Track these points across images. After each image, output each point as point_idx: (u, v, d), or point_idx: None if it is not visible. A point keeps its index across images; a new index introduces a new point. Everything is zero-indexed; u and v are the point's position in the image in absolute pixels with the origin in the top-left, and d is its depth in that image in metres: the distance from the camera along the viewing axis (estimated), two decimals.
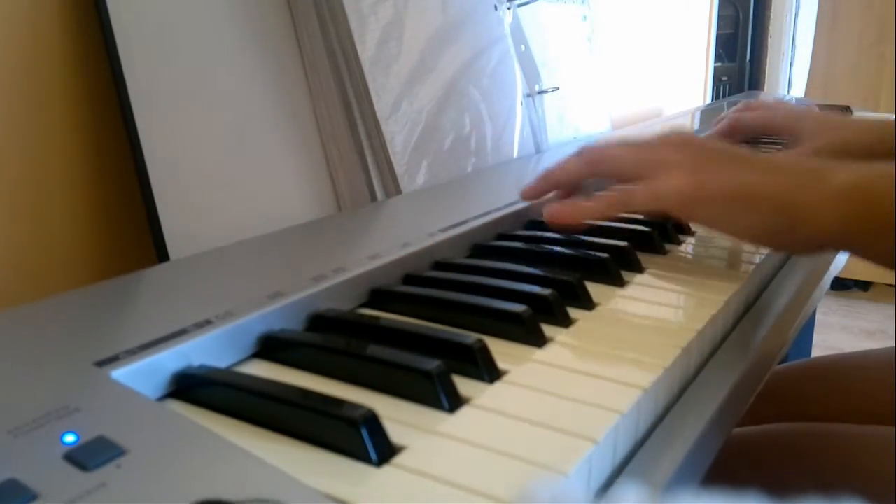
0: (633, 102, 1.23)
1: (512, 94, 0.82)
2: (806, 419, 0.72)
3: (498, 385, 0.33)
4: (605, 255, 0.47)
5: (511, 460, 0.27)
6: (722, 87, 1.86)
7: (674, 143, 0.46)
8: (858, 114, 1.22)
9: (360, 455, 0.27)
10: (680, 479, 0.31)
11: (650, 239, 0.53)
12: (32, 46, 0.51)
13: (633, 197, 0.44)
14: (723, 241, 0.56)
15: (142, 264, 0.48)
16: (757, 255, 0.53)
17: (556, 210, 0.45)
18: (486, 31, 0.80)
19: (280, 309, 0.37)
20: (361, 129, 0.64)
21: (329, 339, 0.36)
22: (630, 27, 1.24)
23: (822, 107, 1.12)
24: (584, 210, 0.45)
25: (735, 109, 0.86)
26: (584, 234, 0.53)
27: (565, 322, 0.40)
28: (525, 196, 0.55)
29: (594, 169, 0.48)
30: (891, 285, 2.36)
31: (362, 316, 0.41)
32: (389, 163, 0.64)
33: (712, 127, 0.93)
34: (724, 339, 0.44)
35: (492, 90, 0.79)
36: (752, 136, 0.92)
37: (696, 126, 1.13)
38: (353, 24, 0.63)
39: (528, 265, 0.46)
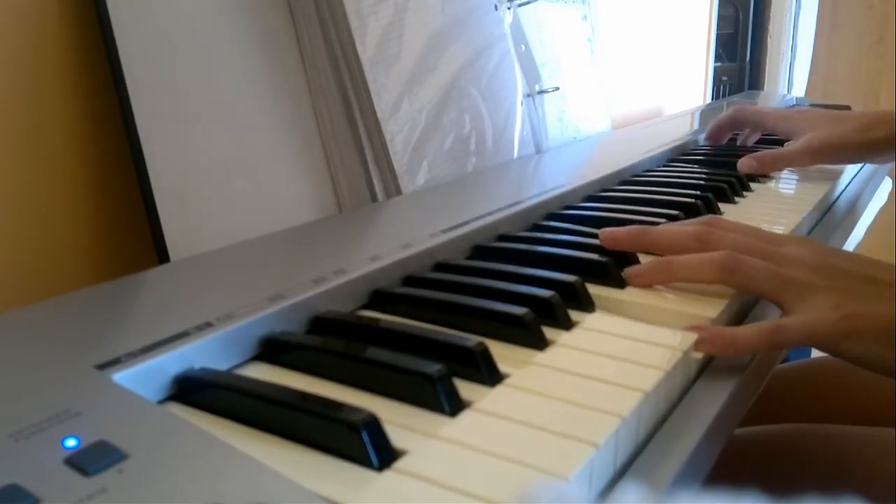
0: (633, 102, 1.22)
1: (512, 94, 0.82)
2: (806, 419, 0.72)
3: (499, 388, 0.33)
4: (606, 257, 0.47)
5: (512, 464, 0.27)
6: (722, 87, 1.86)
7: (806, 262, 0.44)
8: None
9: (361, 459, 0.27)
10: (681, 482, 0.31)
11: None
12: (32, 47, 0.51)
13: (786, 332, 0.41)
14: None
15: (142, 266, 0.48)
16: None
17: (709, 338, 0.40)
18: (486, 31, 0.80)
19: (281, 311, 0.37)
20: (361, 129, 0.64)
21: (330, 341, 0.36)
22: (630, 27, 1.24)
23: (823, 107, 1.13)
24: (737, 343, 0.41)
25: (731, 109, 0.91)
26: (583, 234, 0.53)
27: (567, 324, 0.40)
28: (612, 244, 0.50)
29: (728, 277, 0.44)
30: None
31: (363, 318, 0.41)
32: (389, 163, 0.64)
33: (709, 126, 0.95)
34: None
35: (492, 90, 0.79)
36: (749, 131, 0.95)
37: (696, 126, 1.13)
38: (354, 24, 0.63)
39: (530, 267, 0.46)
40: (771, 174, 0.83)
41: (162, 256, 0.51)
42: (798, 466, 0.60)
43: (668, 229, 0.50)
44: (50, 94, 0.52)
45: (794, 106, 1.28)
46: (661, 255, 0.48)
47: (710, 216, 0.51)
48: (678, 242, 0.48)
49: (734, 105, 0.94)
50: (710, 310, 0.43)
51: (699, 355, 0.40)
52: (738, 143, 0.95)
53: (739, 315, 0.47)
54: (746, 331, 0.41)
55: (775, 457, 0.62)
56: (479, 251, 0.52)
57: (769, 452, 0.63)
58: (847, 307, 0.41)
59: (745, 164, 0.79)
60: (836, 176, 0.82)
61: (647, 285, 0.46)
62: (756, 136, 0.96)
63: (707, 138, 0.96)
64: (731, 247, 0.45)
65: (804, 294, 0.42)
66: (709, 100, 1.61)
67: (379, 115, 0.64)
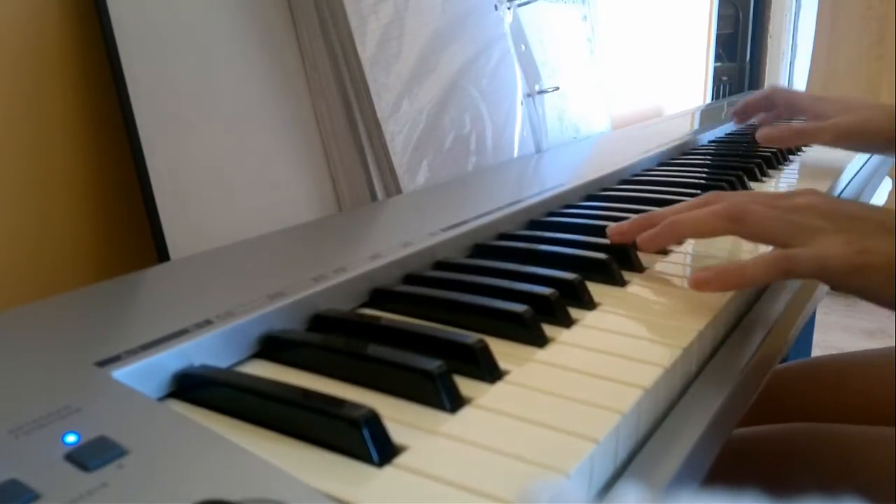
0: (633, 102, 1.23)
1: (512, 94, 0.82)
2: (806, 419, 0.72)
3: (499, 385, 0.33)
4: (605, 255, 0.47)
5: (512, 460, 0.27)
6: (722, 87, 1.86)
7: (818, 207, 0.44)
8: None
9: (361, 455, 0.27)
10: (681, 479, 0.31)
11: None
12: (32, 47, 0.51)
13: (797, 261, 0.41)
14: (722, 241, 0.56)
15: (142, 264, 0.48)
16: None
17: (714, 276, 0.40)
18: (486, 31, 0.80)
19: (281, 309, 0.37)
20: (362, 129, 0.64)
21: (330, 339, 0.36)
22: (630, 27, 1.24)
23: None
24: (746, 273, 0.41)
25: (766, 87, 0.91)
26: (583, 233, 0.53)
27: (566, 322, 0.40)
28: (620, 237, 0.50)
29: (735, 227, 0.44)
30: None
31: (363, 316, 0.41)
32: (390, 162, 0.64)
33: (740, 102, 0.94)
34: (724, 339, 0.44)
35: (492, 90, 0.79)
36: (780, 112, 0.93)
37: (697, 125, 1.13)
38: (354, 24, 0.63)
39: (529, 265, 0.46)
40: (788, 147, 0.81)
41: (162, 255, 0.51)
42: (798, 466, 0.60)
43: (671, 207, 0.50)
44: (50, 93, 0.52)
45: None
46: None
47: (712, 192, 0.50)
48: (699, 216, 0.47)
49: (770, 84, 0.93)
50: (711, 306, 0.43)
51: (699, 353, 0.40)
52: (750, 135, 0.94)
53: (740, 311, 0.47)
54: (753, 262, 0.41)
55: (775, 457, 0.62)
56: (480, 250, 0.52)
57: (769, 452, 0.63)
58: (860, 243, 0.41)
59: (764, 133, 0.77)
60: (837, 175, 0.82)
61: (658, 248, 0.46)
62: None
63: (733, 114, 0.94)
64: (749, 206, 0.45)
65: (814, 235, 0.42)
66: (709, 100, 1.61)
67: (379, 114, 0.64)
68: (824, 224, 0.43)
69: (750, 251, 0.54)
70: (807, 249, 0.41)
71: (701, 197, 0.49)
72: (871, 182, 0.90)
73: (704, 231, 0.45)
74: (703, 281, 0.40)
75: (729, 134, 1.05)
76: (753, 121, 0.96)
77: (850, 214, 0.44)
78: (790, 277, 0.43)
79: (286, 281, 0.40)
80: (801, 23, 1.98)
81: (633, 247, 0.50)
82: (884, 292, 0.41)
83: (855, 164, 0.90)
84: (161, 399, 0.31)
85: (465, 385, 0.32)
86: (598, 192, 0.69)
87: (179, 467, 0.24)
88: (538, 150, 0.86)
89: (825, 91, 1.96)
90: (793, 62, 1.98)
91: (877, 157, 0.97)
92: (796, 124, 0.80)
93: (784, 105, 0.91)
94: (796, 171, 0.85)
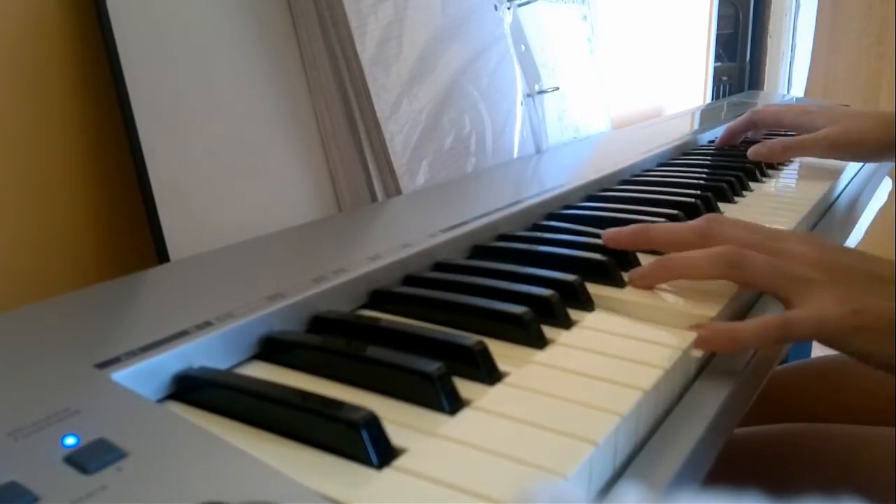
0: (633, 102, 1.23)
1: (512, 94, 0.82)
2: (806, 419, 0.72)
3: (499, 387, 0.33)
4: (605, 256, 0.47)
5: (512, 462, 0.27)
6: (722, 87, 1.86)
7: (809, 257, 0.44)
8: None
9: (360, 457, 0.27)
10: (681, 480, 0.31)
11: None
12: (32, 47, 0.51)
13: (794, 326, 0.41)
14: None
15: (142, 265, 0.48)
16: None
17: (710, 336, 0.40)
18: (486, 31, 0.80)
19: (280, 310, 0.37)
20: (361, 129, 0.64)
21: (329, 340, 0.36)
22: (630, 27, 1.24)
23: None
24: (744, 340, 0.41)
25: (748, 112, 0.92)
26: (583, 234, 0.53)
27: (566, 323, 0.40)
28: (614, 244, 0.50)
29: (731, 273, 0.44)
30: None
31: (362, 317, 0.41)
32: (389, 163, 0.64)
33: (725, 130, 0.94)
34: None
35: (492, 90, 0.79)
36: (767, 130, 0.94)
37: (697, 125, 1.13)
38: (353, 24, 0.63)
39: (529, 266, 0.46)
40: (778, 163, 0.82)
41: (162, 256, 0.51)
42: (798, 466, 0.60)
43: (668, 226, 0.50)
44: (50, 94, 0.52)
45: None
46: (663, 253, 0.48)
47: (710, 214, 0.51)
48: (679, 239, 0.48)
49: (751, 109, 0.93)
50: (709, 308, 0.43)
51: (699, 354, 0.40)
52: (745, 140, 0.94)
53: (739, 314, 0.47)
54: (750, 326, 0.41)
55: (775, 457, 0.62)
56: (479, 251, 0.52)
57: (769, 452, 0.63)
58: (854, 302, 0.41)
59: (755, 151, 0.78)
60: (836, 176, 0.82)
61: (650, 286, 0.46)
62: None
63: (720, 142, 0.95)
64: (732, 242, 0.45)
65: (808, 289, 0.42)
66: (709, 100, 1.61)
67: (379, 115, 0.64)
68: (818, 275, 0.43)
69: None
70: (801, 312, 0.41)
71: (697, 225, 0.48)
72: (871, 182, 0.90)
73: (700, 275, 0.45)
74: (699, 340, 0.40)
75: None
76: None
77: (842, 266, 0.44)
78: (786, 342, 0.43)
79: (286, 282, 0.40)
80: (801, 23, 1.97)
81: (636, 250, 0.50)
82: (878, 353, 0.41)
83: (854, 165, 0.90)
84: (160, 401, 0.31)
85: (464, 387, 0.32)
86: (598, 193, 0.69)
87: (179, 469, 0.24)
88: (538, 151, 0.86)
89: (825, 92, 1.96)
90: (793, 62, 1.98)
91: None
92: (786, 139, 0.80)
93: (769, 124, 0.92)
94: (796, 172, 0.85)
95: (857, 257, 0.45)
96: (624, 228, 0.50)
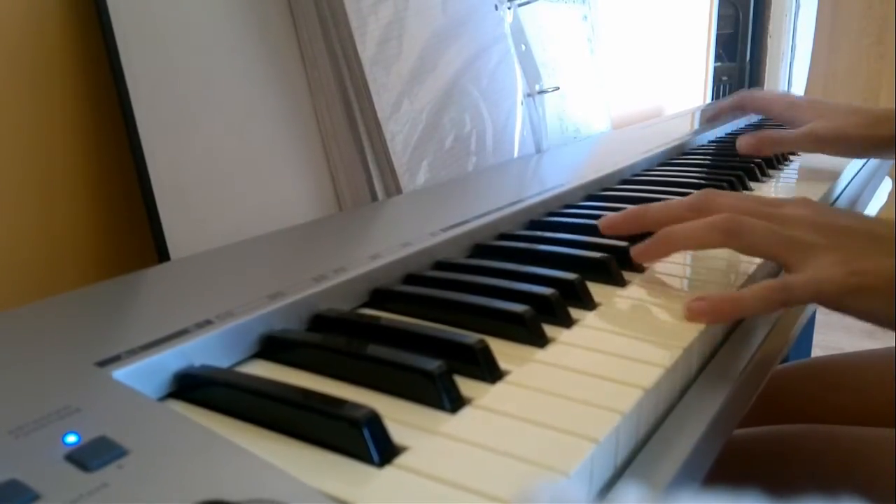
0: (633, 102, 1.23)
1: (512, 94, 0.82)
2: (806, 419, 0.72)
3: (500, 385, 0.33)
4: (606, 254, 0.47)
5: (513, 461, 0.27)
6: (722, 87, 1.86)
7: (809, 220, 0.44)
8: None
9: (361, 455, 0.27)
10: (681, 479, 0.31)
11: None
12: (32, 47, 0.51)
13: (794, 290, 0.41)
14: None
15: (142, 264, 0.48)
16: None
17: (711, 307, 0.40)
18: (486, 31, 0.80)
19: (281, 309, 0.37)
20: (362, 129, 0.64)
21: (330, 339, 0.36)
22: (630, 27, 1.24)
23: None
24: (744, 306, 0.41)
25: (737, 93, 0.91)
26: (583, 233, 0.53)
27: (567, 322, 0.40)
28: (611, 230, 0.50)
29: (730, 241, 0.43)
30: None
31: (363, 316, 0.41)
32: (390, 162, 0.64)
33: (713, 108, 0.94)
34: (725, 339, 0.44)
35: (492, 90, 0.79)
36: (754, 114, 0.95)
37: (697, 125, 1.13)
38: (354, 24, 0.63)
39: (530, 265, 0.46)
40: (766, 156, 0.82)
41: (162, 255, 0.51)
42: (798, 466, 0.60)
43: (663, 204, 0.50)
44: (50, 93, 0.52)
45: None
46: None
47: (706, 189, 0.50)
48: (676, 215, 0.47)
49: (742, 91, 0.93)
50: None
51: (700, 353, 0.40)
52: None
53: None
54: (750, 292, 0.41)
55: (775, 457, 0.62)
56: (480, 250, 0.52)
57: (769, 452, 0.63)
58: (853, 263, 0.41)
59: (744, 142, 0.78)
60: (836, 176, 0.82)
61: (652, 260, 0.46)
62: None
63: (705, 117, 0.95)
64: (730, 210, 0.45)
65: (808, 253, 0.42)
66: (709, 100, 1.61)
67: (379, 114, 0.64)
68: (817, 238, 0.43)
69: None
70: (800, 276, 0.41)
71: (692, 199, 0.48)
72: (871, 182, 0.90)
73: (699, 244, 0.45)
74: (698, 311, 0.40)
75: (729, 134, 1.05)
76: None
77: (842, 227, 0.44)
78: (787, 307, 0.42)
79: (286, 281, 0.40)
80: (801, 23, 1.98)
81: (635, 233, 0.49)
82: (878, 312, 0.41)
83: (854, 164, 0.90)
84: (161, 399, 0.31)
85: (465, 385, 0.32)
86: (598, 193, 0.69)
87: (180, 467, 0.24)
88: (538, 150, 0.86)
89: (825, 91, 1.96)
90: (793, 62, 1.98)
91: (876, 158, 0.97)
92: (774, 132, 0.80)
93: (755, 111, 0.92)
94: (796, 172, 0.85)
95: (856, 218, 0.45)
96: (618, 213, 0.50)
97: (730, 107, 0.93)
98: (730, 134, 1.06)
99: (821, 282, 0.41)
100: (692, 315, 0.40)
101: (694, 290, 0.45)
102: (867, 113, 0.79)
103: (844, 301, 0.41)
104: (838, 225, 0.44)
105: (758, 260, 0.52)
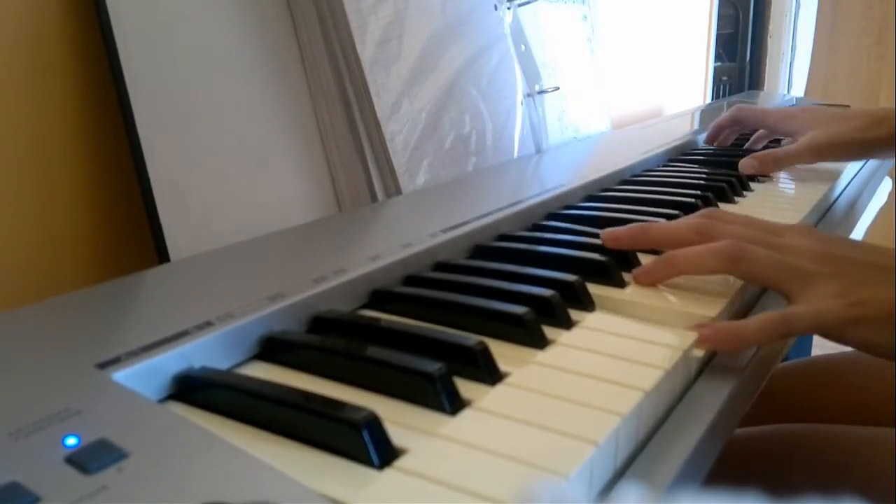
0: (633, 102, 1.23)
1: (512, 94, 0.82)
2: (806, 419, 0.72)
3: (499, 387, 0.33)
4: (605, 256, 0.47)
5: (513, 463, 0.27)
6: (722, 87, 1.86)
7: (810, 250, 0.44)
8: None
9: (361, 457, 0.27)
10: (682, 480, 0.31)
11: None
12: (32, 47, 0.51)
13: (795, 322, 0.41)
14: None
15: (142, 265, 0.48)
16: None
17: (713, 335, 0.40)
18: (486, 31, 0.80)
19: (281, 310, 0.37)
20: (361, 129, 0.64)
21: (330, 340, 0.36)
22: (630, 27, 1.24)
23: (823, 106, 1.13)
24: (746, 337, 0.41)
25: (732, 109, 0.93)
26: (583, 234, 0.53)
27: (567, 324, 0.40)
28: (614, 243, 0.50)
29: (733, 268, 0.44)
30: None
31: (363, 317, 0.41)
32: (389, 163, 0.64)
33: (709, 128, 0.95)
34: None
35: (492, 90, 0.79)
36: (749, 131, 0.95)
37: (697, 125, 1.13)
38: (354, 24, 0.63)
39: (530, 266, 0.46)
40: (772, 174, 0.83)
41: (162, 256, 0.51)
42: (798, 466, 0.60)
43: (668, 225, 0.50)
44: (50, 94, 0.52)
45: (795, 105, 1.28)
46: (663, 251, 0.48)
47: (709, 209, 0.50)
48: (680, 237, 0.48)
49: (735, 105, 0.93)
50: (710, 308, 0.43)
51: (699, 353, 0.40)
52: (745, 147, 0.95)
53: (740, 313, 0.47)
54: (752, 323, 0.41)
55: (775, 457, 0.62)
56: (480, 251, 0.52)
57: (769, 452, 0.63)
58: (854, 294, 0.41)
59: (746, 164, 0.79)
60: (836, 176, 0.82)
61: (653, 283, 0.46)
62: (764, 142, 0.95)
63: (707, 140, 0.96)
64: (732, 238, 0.45)
65: (809, 282, 0.42)
66: (709, 100, 1.61)
67: (379, 114, 0.64)
68: (817, 268, 0.43)
69: None
70: (801, 307, 0.42)
71: (696, 222, 0.48)
72: (871, 183, 0.90)
73: (702, 270, 0.45)
74: (702, 339, 0.40)
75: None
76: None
77: (842, 257, 0.44)
78: (789, 337, 0.43)
79: (286, 282, 0.40)
80: (801, 23, 1.97)
81: (636, 249, 0.50)
82: (879, 343, 0.41)
83: (854, 165, 0.90)
84: (161, 401, 0.31)
85: (465, 387, 0.32)
86: (598, 193, 0.69)
87: (180, 469, 0.24)
88: (538, 150, 0.86)
89: (825, 91, 1.96)
90: (793, 62, 1.98)
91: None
92: (774, 152, 0.80)
93: (752, 124, 0.92)
94: (796, 172, 0.85)
95: (857, 248, 0.45)
96: (623, 228, 0.50)
97: (728, 122, 0.93)
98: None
99: (821, 313, 0.41)
100: (703, 339, 0.40)
101: (694, 292, 0.45)
102: (864, 115, 0.79)
103: (845, 332, 0.41)
104: (839, 254, 0.44)
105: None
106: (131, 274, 0.43)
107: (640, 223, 0.51)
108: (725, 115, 0.94)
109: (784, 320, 0.41)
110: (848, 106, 1.20)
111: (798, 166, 0.84)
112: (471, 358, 0.34)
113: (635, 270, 0.47)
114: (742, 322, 0.41)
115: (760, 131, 0.95)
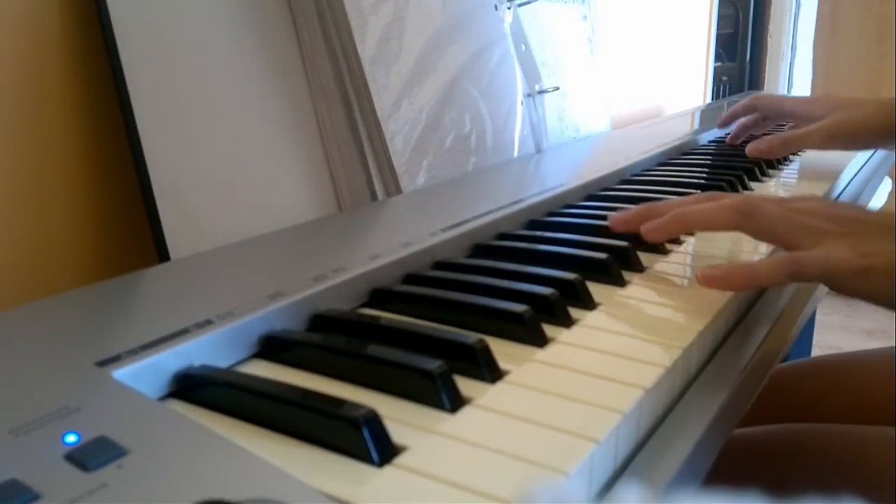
0: (633, 102, 1.23)
1: (512, 94, 0.82)
2: (806, 419, 0.72)
3: (499, 385, 0.33)
4: (605, 254, 0.47)
5: (512, 460, 0.27)
6: (722, 87, 1.86)
7: (823, 211, 0.45)
8: None
9: (361, 455, 0.27)
10: (681, 479, 0.31)
11: None
12: (33, 47, 0.51)
13: (804, 262, 0.41)
14: (722, 241, 0.56)
15: (142, 264, 0.48)
16: (756, 256, 0.53)
17: (725, 275, 0.40)
18: (486, 31, 0.80)
19: (281, 309, 0.37)
20: (362, 129, 0.64)
21: (330, 338, 0.36)
22: (630, 27, 1.24)
23: None
24: (758, 275, 0.41)
25: (749, 96, 0.93)
26: (583, 233, 0.53)
27: (566, 322, 0.40)
28: (623, 226, 0.50)
29: (744, 222, 0.44)
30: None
31: (363, 316, 0.41)
32: (390, 162, 0.64)
33: (725, 112, 0.95)
34: (725, 338, 0.44)
35: (492, 90, 0.79)
36: (766, 119, 0.94)
37: (697, 125, 1.13)
38: (354, 24, 0.63)
39: (529, 265, 0.46)
40: (778, 157, 0.82)
41: (162, 255, 0.51)
42: (798, 466, 0.60)
43: (674, 200, 0.50)
44: (50, 93, 0.52)
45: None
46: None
47: (712, 192, 0.51)
48: (689, 202, 0.48)
49: (752, 94, 0.94)
50: (711, 307, 0.43)
51: (700, 352, 0.40)
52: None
53: (740, 312, 0.47)
54: (763, 264, 0.41)
55: (775, 457, 0.62)
56: (479, 250, 0.52)
57: (769, 452, 0.63)
58: (864, 246, 0.42)
59: (753, 147, 0.78)
60: (836, 175, 0.82)
61: (664, 238, 0.46)
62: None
63: (720, 124, 0.96)
64: (760, 203, 0.45)
65: (820, 238, 0.43)
66: (709, 100, 1.61)
67: (379, 114, 0.64)
68: (830, 226, 0.43)
69: (749, 252, 0.54)
70: (812, 253, 0.42)
71: (704, 194, 0.49)
72: (871, 182, 0.90)
73: (714, 224, 0.45)
74: (712, 277, 0.40)
75: (729, 134, 1.05)
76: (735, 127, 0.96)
77: (853, 218, 0.45)
78: (797, 280, 0.43)
79: (286, 281, 0.40)
80: (801, 23, 1.98)
81: (634, 247, 0.50)
82: (887, 294, 0.42)
83: (854, 164, 0.90)
84: (161, 399, 0.31)
85: (465, 385, 0.32)
86: (598, 192, 0.69)
87: (179, 467, 0.24)
88: (538, 150, 0.86)
89: (825, 92, 1.96)
90: (793, 62, 1.98)
91: (876, 157, 0.97)
92: (783, 133, 0.80)
93: (768, 111, 0.92)
94: (796, 172, 0.85)
95: (868, 212, 0.46)
96: (629, 210, 0.50)
97: (744, 109, 0.93)
98: (729, 134, 1.06)
99: (831, 260, 0.41)
100: (706, 280, 0.41)
101: (694, 291, 0.45)
102: (879, 103, 0.79)
103: (853, 282, 0.42)
104: (849, 215, 0.45)
105: (759, 258, 0.52)
106: (131, 272, 0.43)
107: (646, 204, 0.51)
108: (741, 102, 0.93)
109: (794, 260, 0.41)
110: None
111: (800, 166, 0.84)
112: (471, 356, 0.34)
113: (646, 225, 0.46)
114: (754, 262, 0.41)
115: (745, 119, 0.95)
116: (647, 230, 0.46)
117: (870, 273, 0.41)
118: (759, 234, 0.46)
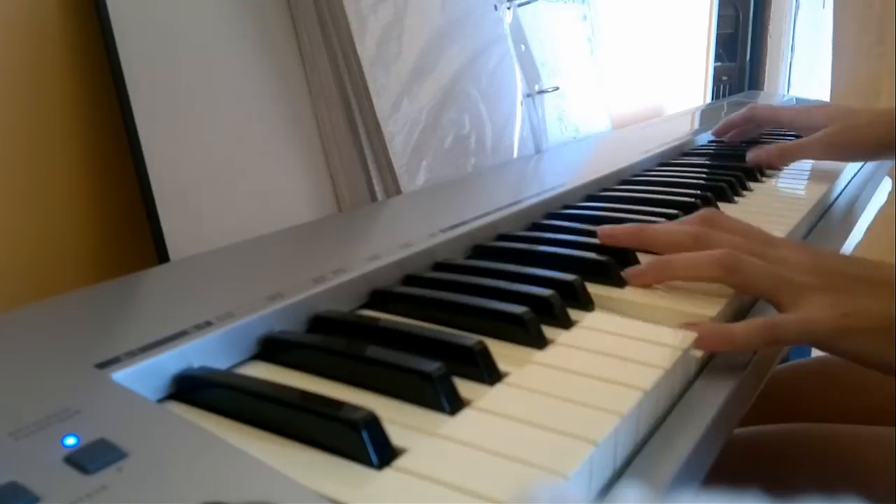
0: (633, 102, 1.22)
1: (512, 94, 0.82)
2: (806, 419, 0.72)
3: (499, 387, 0.33)
4: (605, 256, 0.47)
5: (512, 462, 0.27)
6: (722, 87, 1.86)
7: (807, 265, 0.44)
8: None
9: (360, 457, 0.27)
10: (681, 480, 0.31)
11: None
12: (32, 47, 0.51)
13: (784, 329, 0.41)
14: None
15: (142, 265, 0.48)
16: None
17: (705, 333, 0.40)
18: (486, 31, 0.80)
19: (280, 310, 0.37)
20: (361, 129, 0.64)
21: (329, 340, 0.36)
22: (630, 27, 1.24)
23: None
24: (733, 339, 0.41)
25: (747, 106, 0.92)
26: (583, 234, 0.53)
27: (566, 323, 0.40)
28: (610, 240, 0.50)
29: (727, 277, 0.44)
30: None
31: (362, 317, 0.41)
32: (389, 163, 0.64)
33: (722, 120, 0.95)
34: None
35: (492, 90, 0.79)
36: (763, 127, 0.94)
37: (697, 125, 1.13)
38: (353, 24, 0.63)
39: (529, 266, 0.46)
40: (778, 168, 0.82)
41: (162, 256, 0.51)
42: (798, 466, 0.60)
43: (665, 227, 0.50)
44: (50, 94, 0.52)
45: (795, 105, 1.28)
46: (659, 253, 0.48)
47: (707, 211, 0.51)
48: (676, 241, 0.48)
49: (750, 104, 0.93)
50: (709, 308, 0.43)
51: (699, 354, 0.40)
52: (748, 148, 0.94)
53: (739, 314, 0.47)
54: (741, 327, 0.41)
55: (775, 457, 0.62)
56: (479, 251, 0.52)
57: (769, 452, 0.63)
58: (844, 305, 0.41)
59: (753, 155, 0.78)
60: (836, 176, 0.82)
61: (647, 284, 0.46)
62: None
63: (715, 132, 0.96)
64: (729, 247, 0.45)
65: (801, 293, 0.43)
66: (709, 100, 1.61)
67: (379, 115, 0.64)
68: (812, 280, 0.43)
69: None
70: (791, 315, 0.42)
71: (693, 228, 0.48)
72: (871, 182, 0.90)
73: (697, 277, 0.45)
74: (704, 337, 0.40)
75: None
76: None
77: (835, 270, 0.44)
78: (774, 346, 0.43)
79: (285, 282, 0.40)
80: (801, 23, 1.97)
81: (633, 248, 0.50)
82: (869, 354, 0.41)
83: (854, 164, 0.90)
84: (160, 401, 0.31)
85: (464, 387, 0.32)
86: (597, 193, 0.69)
87: (179, 469, 0.24)
88: (538, 151, 0.86)
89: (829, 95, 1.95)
90: (793, 62, 1.98)
91: None
92: (783, 143, 0.80)
93: (767, 120, 0.92)
94: (796, 172, 0.85)
95: (849, 262, 0.46)
96: (620, 226, 0.50)
97: (742, 121, 0.93)
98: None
99: (811, 322, 0.41)
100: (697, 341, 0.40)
101: (692, 291, 0.45)
102: (878, 114, 0.79)
103: (835, 342, 0.41)
104: (831, 267, 0.44)
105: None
106: (131, 274, 0.43)
107: (638, 223, 0.51)
108: (740, 112, 0.93)
109: (771, 327, 0.41)
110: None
111: (802, 167, 0.84)
112: (470, 358, 0.34)
113: (629, 270, 0.47)
114: (731, 325, 0.41)
115: (738, 130, 0.95)
116: (631, 275, 0.47)
117: (851, 333, 0.41)
118: (741, 288, 0.46)
